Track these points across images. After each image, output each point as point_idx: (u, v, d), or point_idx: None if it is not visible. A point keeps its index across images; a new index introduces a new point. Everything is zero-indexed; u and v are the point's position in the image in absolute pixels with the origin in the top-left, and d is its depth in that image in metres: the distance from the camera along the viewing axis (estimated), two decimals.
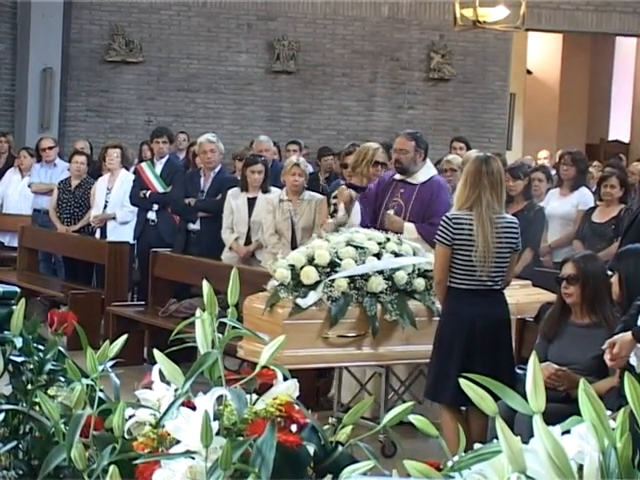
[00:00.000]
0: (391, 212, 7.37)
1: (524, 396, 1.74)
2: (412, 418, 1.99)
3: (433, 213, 7.27)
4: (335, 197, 8.07)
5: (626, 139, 19.82)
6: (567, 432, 1.77)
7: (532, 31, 16.95)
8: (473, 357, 5.72)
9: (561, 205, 9.34)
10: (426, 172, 7.52)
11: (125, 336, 2.52)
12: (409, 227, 7.28)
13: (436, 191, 7.43)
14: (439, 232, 5.86)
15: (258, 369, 2.18)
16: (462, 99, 16.43)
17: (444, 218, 5.89)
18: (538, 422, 1.64)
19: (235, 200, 8.77)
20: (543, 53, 19.91)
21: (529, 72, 19.78)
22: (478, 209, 5.76)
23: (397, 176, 7.54)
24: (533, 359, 1.71)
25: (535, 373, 1.69)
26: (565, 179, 9.52)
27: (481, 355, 5.71)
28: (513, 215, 6.45)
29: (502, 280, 5.88)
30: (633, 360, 4.38)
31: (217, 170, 9.38)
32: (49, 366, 2.78)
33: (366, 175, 7.88)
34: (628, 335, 4.37)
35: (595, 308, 5.57)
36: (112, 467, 2.10)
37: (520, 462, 1.65)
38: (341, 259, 6.32)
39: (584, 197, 9.39)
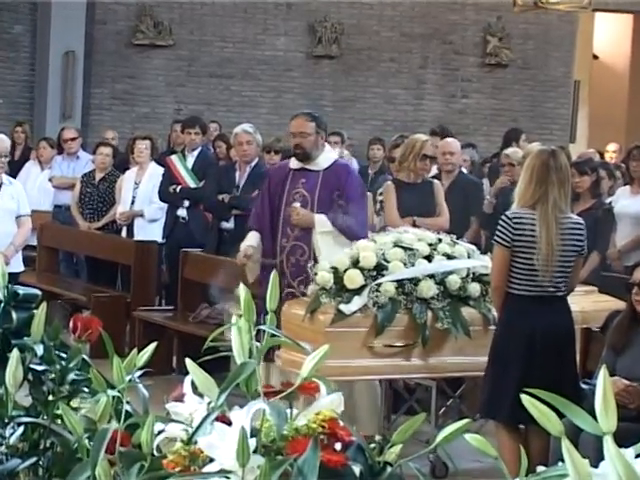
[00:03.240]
0: (297, 205, 6.97)
1: (591, 414, 1.73)
2: (468, 437, 1.98)
3: (346, 201, 6.98)
4: (381, 194, 8.05)
5: None
6: None
7: (599, 12, 16.82)
8: (533, 371, 5.68)
9: (632, 204, 9.25)
10: (328, 156, 7.19)
11: (155, 344, 2.53)
12: (321, 219, 6.91)
13: (345, 176, 7.10)
14: (498, 232, 5.81)
15: (299, 381, 2.18)
16: (521, 87, 16.36)
17: (503, 217, 5.84)
18: (609, 443, 1.63)
19: None
20: (611, 36, 19.75)
21: (596, 57, 19.64)
22: (543, 207, 5.70)
23: (293, 164, 7.17)
24: (603, 373, 1.69)
25: (605, 389, 1.68)
26: (636, 176, 9.43)
27: (542, 369, 5.67)
28: (579, 214, 6.40)
29: (566, 286, 5.83)
30: None
31: (253, 164, 9.38)
32: (72, 376, 2.79)
33: (414, 170, 7.83)
34: None
35: None
36: None
37: None
38: (388, 261, 6.32)
39: None
